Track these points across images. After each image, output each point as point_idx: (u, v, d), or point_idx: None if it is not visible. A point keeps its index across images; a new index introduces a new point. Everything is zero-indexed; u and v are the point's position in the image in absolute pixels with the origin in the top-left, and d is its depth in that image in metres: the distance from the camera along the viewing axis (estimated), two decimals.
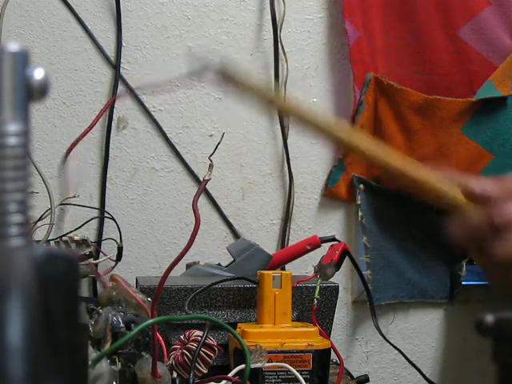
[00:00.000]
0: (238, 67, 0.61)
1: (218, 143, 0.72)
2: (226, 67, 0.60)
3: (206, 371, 0.83)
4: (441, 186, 0.69)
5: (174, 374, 0.83)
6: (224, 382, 0.84)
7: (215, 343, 0.85)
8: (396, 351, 1.36)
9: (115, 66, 1.36)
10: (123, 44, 1.37)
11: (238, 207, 1.41)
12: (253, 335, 0.90)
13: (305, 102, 0.66)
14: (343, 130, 0.65)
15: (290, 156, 1.42)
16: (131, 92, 1.37)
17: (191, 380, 0.81)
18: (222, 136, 0.68)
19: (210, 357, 0.83)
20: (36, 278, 0.35)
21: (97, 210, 1.34)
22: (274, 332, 0.91)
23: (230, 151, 1.40)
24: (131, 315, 0.80)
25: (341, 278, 1.42)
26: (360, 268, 1.22)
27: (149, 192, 1.38)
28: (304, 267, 1.36)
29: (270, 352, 0.85)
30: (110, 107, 1.35)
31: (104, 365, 0.71)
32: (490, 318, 0.46)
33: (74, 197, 1.26)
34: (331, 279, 1.04)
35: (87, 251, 1.15)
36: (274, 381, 0.87)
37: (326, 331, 1.00)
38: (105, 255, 1.24)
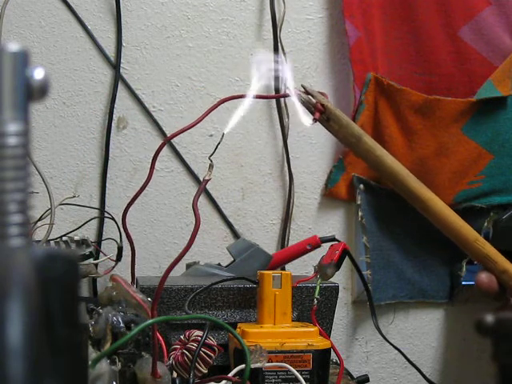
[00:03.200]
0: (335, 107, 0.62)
1: (218, 143, 0.72)
2: (328, 103, 0.61)
3: (205, 371, 0.83)
4: (504, 261, 0.68)
5: (174, 374, 0.83)
6: (224, 382, 0.84)
7: (215, 343, 0.84)
8: (396, 351, 1.36)
9: (115, 66, 1.36)
10: (123, 44, 1.37)
11: (237, 207, 1.41)
12: (253, 335, 0.90)
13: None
14: (421, 187, 0.65)
15: (290, 156, 1.42)
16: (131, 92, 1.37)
17: (191, 380, 0.81)
18: (222, 136, 0.68)
19: (210, 357, 0.83)
20: (36, 278, 0.35)
21: (97, 210, 1.34)
22: (274, 332, 0.91)
23: (230, 151, 1.40)
24: (131, 315, 0.80)
25: (341, 278, 1.42)
26: (360, 268, 1.22)
27: (149, 192, 1.38)
28: (304, 267, 1.36)
29: (270, 352, 0.85)
30: (110, 107, 1.35)
31: (104, 365, 0.71)
32: (489, 318, 0.46)
33: (74, 197, 1.26)
34: (331, 279, 1.04)
35: (87, 251, 1.15)
36: (274, 381, 0.87)
37: (326, 331, 1.00)
38: (105, 255, 1.23)
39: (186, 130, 0.76)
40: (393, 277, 1.44)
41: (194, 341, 0.84)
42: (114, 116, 1.36)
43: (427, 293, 1.48)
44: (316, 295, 1.00)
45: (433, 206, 0.66)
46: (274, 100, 1.42)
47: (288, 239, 1.42)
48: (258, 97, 0.69)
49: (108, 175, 1.36)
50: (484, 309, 0.48)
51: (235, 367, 0.85)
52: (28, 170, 0.40)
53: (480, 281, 0.68)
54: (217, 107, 0.72)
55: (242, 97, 0.72)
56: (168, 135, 1.38)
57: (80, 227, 1.26)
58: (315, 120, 0.63)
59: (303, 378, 0.86)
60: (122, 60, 1.37)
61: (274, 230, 1.43)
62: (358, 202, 1.41)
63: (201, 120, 0.73)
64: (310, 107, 0.63)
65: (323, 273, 1.02)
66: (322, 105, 0.62)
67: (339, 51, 1.44)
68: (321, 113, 0.63)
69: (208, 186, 1.36)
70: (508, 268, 0.68)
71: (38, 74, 0.39)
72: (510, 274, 0.68)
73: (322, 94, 0.64)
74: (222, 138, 0.69)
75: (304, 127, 1.44)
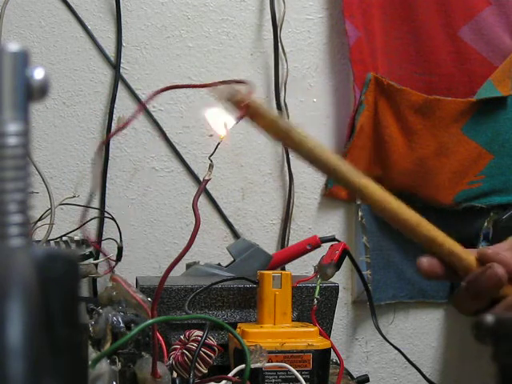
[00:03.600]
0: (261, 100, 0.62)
1: (218, 143, 0.72)
2: (250, 98, 0.60)
3: (205, 371, 0.83)
4: (451, 244, 0.68)
5: (174, 374, 0.83)
6: (224, 382, 0.84)
7: (215, 343, 0.84)
8: (396, 351, 1.36)
9: (115, 66, 1.36)
10: (123, 44, 1.37)
11: (237, 207, 1.41)
12: (253, 335, 0.90)
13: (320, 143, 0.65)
14: (355, 174, 0.65)
15: (290, 156, 1.42)
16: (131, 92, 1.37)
17: (191, 380, 0.81)
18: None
19: (210, 357, 0.83)
20: (36, 278, 0.35)
21: (97, 210, 1.34)
22: (274, 332, 0.91)
23: (229, 151, 1.40)
24: (131, 315, 0.80)
25: (341, 278, 1.42)
26: (360, 268, 1.22)
27: (149, 192, 1.38)
28: (304, 267, 1.36)
29: (270, 352, 0.85)
30: (110, 107, 1.35)
31: (104, 365, 0.71)
32: (489, 318, 0.46)
33: (74, 197, 1.26)
34: (331, 279, 1.04)
35: (87, 251, 1.15)
36: (274, 381, 0.87)
37: (326, 331, 1.00)
38: (105, 255, 1.23)
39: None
40: (393, 277, 1.44)
41: (193, 341, 0.84)
42: (113, 116, 1.36)
43: (427, 293, 1.48)
44: (316, 295, 1.00)
45: (370, 191, 0.66)
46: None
47: (288, 239, 1.42)
48: (199, 86, 0.68)
49: (108, 175, 1.36)
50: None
51: (235, 367, 0.84)
52: (28, 169, 0.40)
53: (420, 265, 0.68)
54: (160, 93, 0.72)
55: (187, 86, 0.72)
56: (168, 135, 1.38)
57: (80, 227, 1.26)
58: (238, 120, 0.62)
59: (303, 378, 0.86)
60: (122, 60, 1.37)
61: (274, 230, 1.43)
62: (358, 202, 1.41)
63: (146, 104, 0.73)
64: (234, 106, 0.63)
65: (323, 273, 1.02)
66: (245, 104, 0.62)
67: (339, 51, 1.44)
68: (245, 111, 0.62)
69: (208, 186, 1.36)
70: (454, 249, 0.67)
71: (38, 73, 0.39)
72: (457, 255, 0.67)
73: (242, 83, 0.63)
74: (222, 138, 0.69)
75: (304, 127, 1.44)
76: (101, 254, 1.26)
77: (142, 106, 0.85)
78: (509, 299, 0.67)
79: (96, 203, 1.36)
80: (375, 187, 0.65)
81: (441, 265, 0.68)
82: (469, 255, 0.68)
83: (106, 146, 1.36)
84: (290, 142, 0.63)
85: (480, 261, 0.68)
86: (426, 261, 0.68)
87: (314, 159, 0.63)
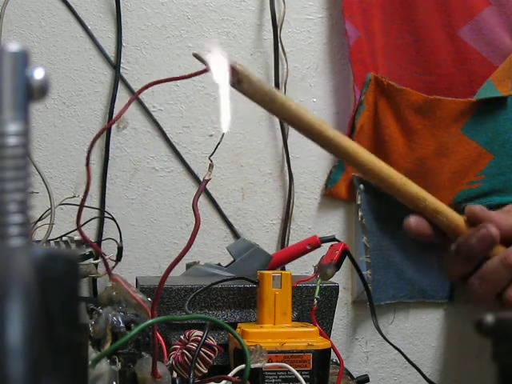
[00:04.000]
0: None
1: (218, 143, 0.72)
2: (239, 65, 0.60)
3: (205, 371, 0.83)
4: (439, 203, 0.68)
5: (174, 374, 0.83)
6: (224, 382, 0.84)
7: (215, 343, 0.84)
8: (396, 351, 1.36)
9: (115, 66, 1.36)
10: (123, 44, 1.37)
11: (237, 207, 1.41)
12: (253, 335, 0.90)
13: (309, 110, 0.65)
14: (341, 137, 0.65)
15: (290, 156, 1.42)
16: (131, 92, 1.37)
17: (191, 380, 0.81)
18: (222, 136, 0.68)
19: (210, 357, 0.83)
20: (36, 278, 0.35)
21: (97, 210, 1.34)
22: (274, 332, 0.91)
23: (229, 151, 1.40)
24: (131, 315, 0.80)
25: (341, 278, 1.42)
26: (360, 268, 1.22)
27: (149, 192, 1.38)
28: (304, 267, 1.36)
29: (270, 352, 0.85)
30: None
31: (104, 365, 0.71)
32: (489, 318, 0.46)
33: (74, 197, 1.26)
34: (331, 279, 1.04)
35: (87, 251, 1.15)
36: (274, 381, 0.87)
37: (326, 331, 1.00)
38: (105, 255, 1.23)
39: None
40: (393, 277, 1.44)
41: (193, 341, 0.84)
42: (113, 116, 1.36)
43: (427, 293, 1.48)
44: (316, 295, 1.00)
45: (356, 154, 0.65)
46: None
47: (288, 239, 1.42)
48: (178, 78, 0.68)
49: (108, 175, 1.36)
50: (484, 309, 0.48)
51: (235, 367, 0.85)
52: (28, 169, 0.40)
53: (407, 225, 0.67)
54: (142, 92, 0.72)
55: (167, 80, 0.72)
56: (168, 135, 1.38)
57: (80, 227, 1.26)
58: (233, 84, 0.62)
59: (303, 378, 0.86)
60: (122, 60, 1.37)
61: (274, 230, 1.43)
62: (358, 202, 1.41)
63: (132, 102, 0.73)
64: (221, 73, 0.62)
65: (323, 273, 1.02)
66: (232, 68, 0.61)
67: (339, 51, 1.44)
68: (232, 75, 0.62)
69: (208, 186, 1.36)
70: (439, 206, 0.67)
71: (38, 73, 0.39)
72: (441, 211, 0.67)
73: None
74: (221, 138, 0.69)
75: None
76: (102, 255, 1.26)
77: (135, 97, 0.86)
78: (495, 259, 0.67)
79: (96, 203, 1.36)
80: (360, 149, 0.65)
81: (429, 225, 0.67)
82: (456, 214, 0.68)
83: (106, 145, 1.36)
84: (275, 106, 0.63)
85: (468, 218, 0.68)
86: (413, 220, 0.67)
87: (298, 121, 0.63)
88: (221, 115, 0.63)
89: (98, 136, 0.71)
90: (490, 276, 0.67)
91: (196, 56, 0.62)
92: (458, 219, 0.68)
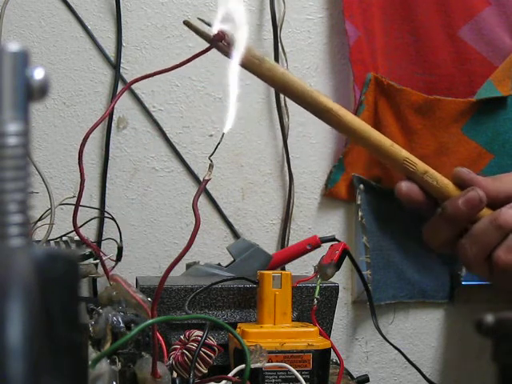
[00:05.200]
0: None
1: (218, 143, 0.72)
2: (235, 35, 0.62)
3: (205, 371, 0.83)
4: (426, 168, 0.68)
5: (174, 374, 0.83)
6: (224, 382, 0.84)
7: (215, 343, 0.84)
8: (396, 351, 1.36)
9: (115, 66, 1.36)
10: (123, 44, 1.37)
11: (237, 207, 1.41)
12: (253, 335, 0.90)
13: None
14: (332, 105, 0.66)
15: (290, 156, 1.42)
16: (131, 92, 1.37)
17: (191, 380, 0.81)
18: (222, 136, 0.68)
19: (210, 357, 0.83)
20: (36, 278, 0.35)
21: (97, 210, 1.34)
22: (274, 332, 0.91)
23: (229, 151, 1.40)
24: (131, 315, 0.80)
25: (341, 278, 1.42)
26: (360, 268, 1.22)
27: (149, 192, 1.38)
28: (304, 267, 1.36)
29: (270, 352, 0.85)
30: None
31: (104, 365, 0.71)
32: (489, 318, 0.46)
33: (74, 197, 1.26)
34: (331, 279, 1.04)
35: (87, 251, 1.15)
36: (273, 381, 0.87)
37: (326, 331, 1.00)
38: (105, 255, 1.23)
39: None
40: (393, 277, 1.44)
41: (194, 341, 0.84)
42: (113, 116, 1.36)
43: (427, 293, 1.48)
44: (316, 295, 1.00)
45: (340, 116, 0.67)
46: (274, 100, 1.42)
47: (288, 239, 1.42)
48: (173, 67, 0.70)
49: (108, 175, 1.36)
50: (484, 309, 0.48)
51: (235, 367, 0.84)
52: (28, 169, 0.40)
53: (399, 189, 0.68)
54: (127, 89, 0.72)
55: (154, 74, 0.73)
56: (168, 135, 1.38)
57: (80, 227, 1.26)
58: (214, 43, 0.64)
59: (303, 378, 0.86)
60: (122, 60, 1.37)
61: (274, 230, 1.43)
62: (358, 202, 1.41)
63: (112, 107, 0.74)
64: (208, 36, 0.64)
65: (323, 273, 1.02)
66: (222, 32, 0.63)
67: (339, 51, 1.44)
68: (221, 39, 0.64)
69: (208, 186, 1.36)
70: (428, 169, 0.68)
71: (38, 73, 0.39)
72: (430, 173, 0.68)
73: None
74: (221, 138, 0.69)
75: (304, 127, 1.44)
76: (101, 254, 1.26)
77: (128, 87, 0.87)
78: (485, 219, 0.67)
79: (96, 203, 1.36)
80: (347, 112, 0.67)
81: (420, 191, 0.68)
82: (446, 179, 0.69)
83: (106, 145, 1.36)
84: (263, 69, 0.64)
85: (455, 182, 0.68)
86: (404, 185, 0.68)
87: (286, 85, 0.64)
88: (227, 115, 0.64)
89: (91, 131, 0.72)
90: (479, 237, 0.67)
91: (187, 24, 0.64)
92: (448, 183, 0.69)
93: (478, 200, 0.67)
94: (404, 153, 0.69)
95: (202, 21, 0.64)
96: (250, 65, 0.64)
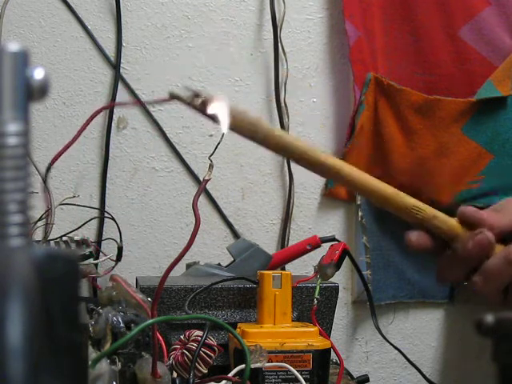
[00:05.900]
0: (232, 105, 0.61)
1: (218, 143, 0.72)
2: (220, 100, 0.60)
3: (205, 371, 0.83)
4: (434, 214, 0.69)
5: (174, 374, 0.83)
6: (224, 382, 0.84)
7: (215, 343, 0.84)
8: (396, 351, 1.36)
9: (115, 66, 1.36)
10: (123, 44, 1.37)
11: (238, 207, 1.41)
12: (253, 335, 0.90)
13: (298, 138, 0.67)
14: (332, 159, 0.66)
15: None
16: (131, 92, 1.37)
17: (191, 380, 0.81)
18: (222, 136, 0.68)
19: (210, 357, 0.83)
20: (36, 278, 0.35)
21: (97, 210, 1.34)
22: (274, 332, 0.91)
23: (229, 151, 1.40)
24: (131, 315, 0.80)
25: (341, 278, 1.42)
26: (360, 268, 1.22)
27: (149, 192, 1.38)
28: (304, 267, 1.36)
29: (270, 352, 0.85)
30: (110, 107, 1.35)
31: (104, 365, 0.71)
32: (489, 318, 0.46)
33: (74, 197, 1.26)
34: (331, 279, 1.04)
35: (87, 251, 1.15)
36: (273, 381, 0.87)
37: (326, 331, 1.00)
38: (105, 255, 1.23)
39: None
40: (393, 277, 1.44)
41: (194, 341, 0.84)
42: (113, 116, 1.36)
43: (427, 293, 1.48)
44: (316, 295, 1.00)
45: (344, 172, 0.67)
46: (274, 100, 1.42)
47: (288, 239, 1.42)
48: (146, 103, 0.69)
49: (108, 175, 1.36)
50: (484, 309, 0.48)
51: (235, 367, 0.85)
52: (28, 169, 0.40)
53: (409, 241, 0.70)
54: (94, 118, 0.72)
55: (125, 104, 0.72)
56: (168, 135, 1.38)
57: (80, 227, 1.26)
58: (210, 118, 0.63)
59: (303, 378, 0.86)
60: (122, 60, 1.37)
61: (274, 230, 1.43)
62: (358, 202, 1.41)
63: (77, 137, 0.75)
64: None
65: (323, 273, 1.03)
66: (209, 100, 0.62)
67: (339, 51, 1.44)
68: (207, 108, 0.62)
69: (208, 186, 1.36)
70: (436, 213, 0.69)
71: (38, 73, 0.39)
72: (439, 218, 0.69)
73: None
74: (221, 138, 0.69)
75: (304, 127, 1.44)
76: (101, 254, 1.26)
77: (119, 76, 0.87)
78: (497, 256, 0.68)
79: (96, 203, 1.36)
80: (350, 168, 0.67)
81: (429, 237, 0.69)
82: (452, 219, 0.70)
83: (106, 145, 1.36)
84: (259, 136, 0.63)
85: (460, 220, 0.69)
86: (413, 236, 0.69)
87: (286, 147, 0.64)
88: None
89: (86, 124, 0.72)
90: (493, 274, 0.68)
91: (173, 95, 0.62)
92: (456, 225, 0.69)
93: (486, 242, 0.68)
94: (412, 199, 0.70)
95: (189, 89, 0.62)
96: (245, 132, 0.63)
